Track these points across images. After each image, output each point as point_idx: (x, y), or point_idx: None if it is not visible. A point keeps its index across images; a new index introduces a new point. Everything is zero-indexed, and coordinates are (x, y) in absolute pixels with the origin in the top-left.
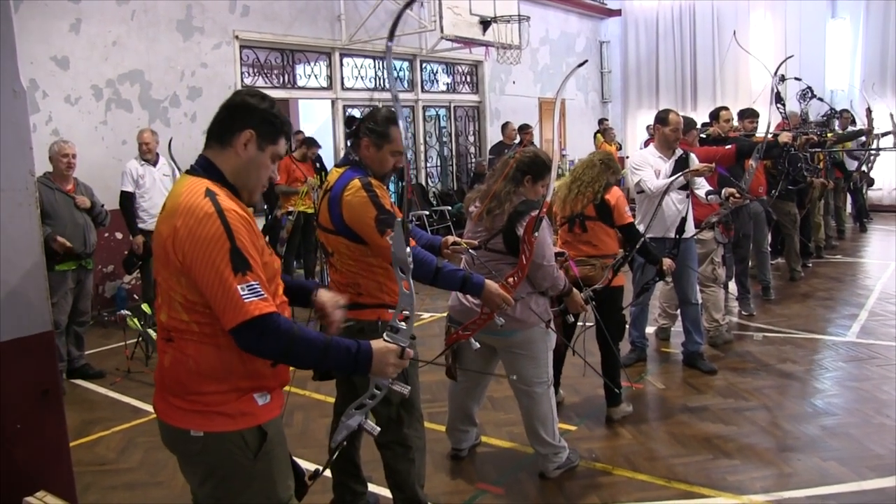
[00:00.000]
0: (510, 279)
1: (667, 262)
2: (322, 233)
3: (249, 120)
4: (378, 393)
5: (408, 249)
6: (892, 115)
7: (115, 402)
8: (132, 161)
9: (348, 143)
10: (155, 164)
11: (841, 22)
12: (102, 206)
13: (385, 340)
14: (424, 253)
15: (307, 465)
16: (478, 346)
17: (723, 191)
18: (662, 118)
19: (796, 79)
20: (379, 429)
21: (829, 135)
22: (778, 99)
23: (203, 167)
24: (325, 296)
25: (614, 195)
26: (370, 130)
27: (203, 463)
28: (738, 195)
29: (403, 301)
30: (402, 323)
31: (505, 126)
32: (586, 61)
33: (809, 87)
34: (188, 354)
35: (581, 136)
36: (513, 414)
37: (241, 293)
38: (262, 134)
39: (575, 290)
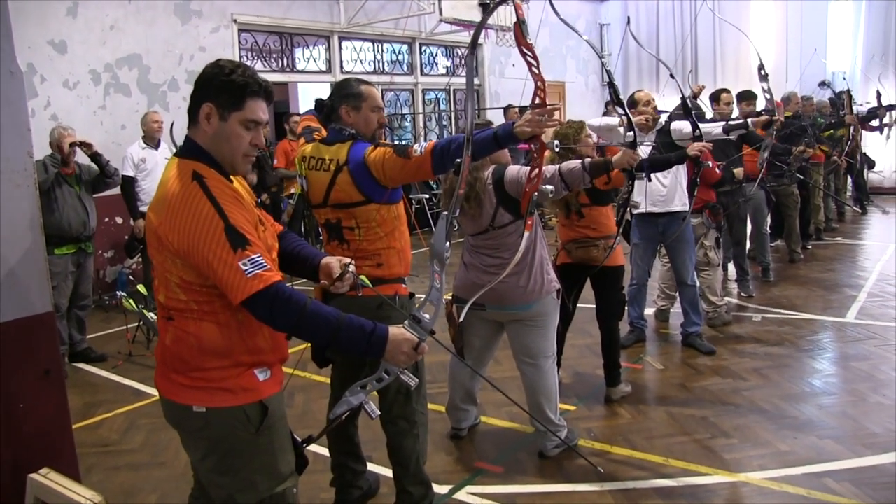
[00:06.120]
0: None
1: (695, 146)
2: (341, 211)
3: (207, 92)
4: (386, 377)
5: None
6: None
7: (118, 385)
8: (133, 146)
9: (331, 124)
10: (157, 147)
11: (843, 3)
12: (108, 161)
13: (405, 328)
14: (453, 138)
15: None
16: (551, 188)
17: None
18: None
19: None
20: (379, 412)
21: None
22: (764, 79)
23: (187, 147)
24: (329, 259)
25: None
26: (344, 97)
27: (206, 438)
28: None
29: (433, 296)
30: (427, 315)
31: (507, 109)
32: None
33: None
34: (189, 332)
35: (582, 119)
36: (512, 395)
37: (244, 268)
38: (222, 104)
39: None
